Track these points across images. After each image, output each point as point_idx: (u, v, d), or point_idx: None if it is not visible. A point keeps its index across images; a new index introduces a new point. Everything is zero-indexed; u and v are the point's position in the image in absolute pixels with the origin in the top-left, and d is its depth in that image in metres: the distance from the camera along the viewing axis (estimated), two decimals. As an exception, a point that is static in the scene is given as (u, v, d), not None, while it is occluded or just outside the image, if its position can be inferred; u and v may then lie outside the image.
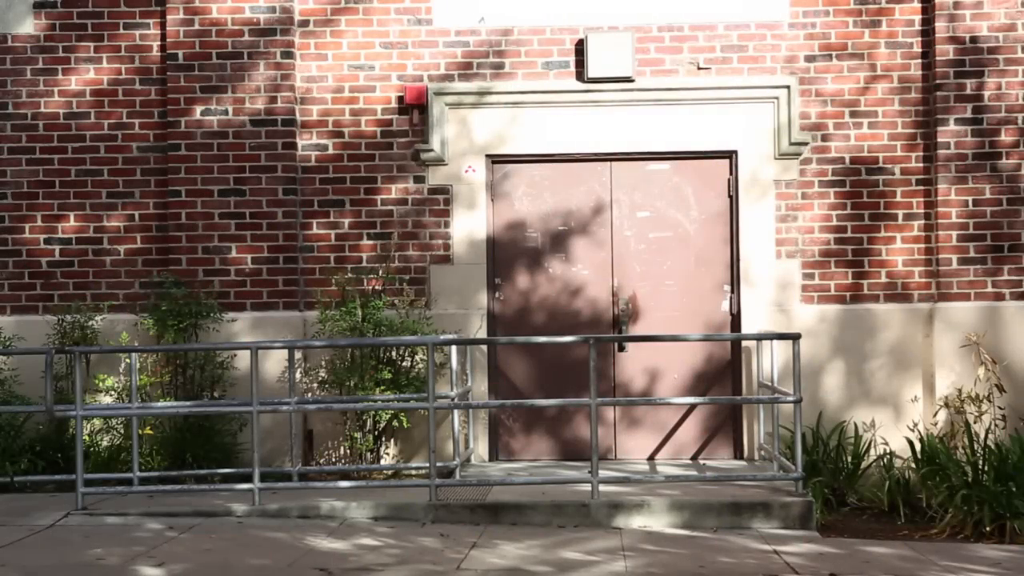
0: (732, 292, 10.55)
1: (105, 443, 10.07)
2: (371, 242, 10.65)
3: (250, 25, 10.57)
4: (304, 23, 10.72)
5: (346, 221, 10.68)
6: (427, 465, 8.78)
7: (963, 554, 7.84)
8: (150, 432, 9.91)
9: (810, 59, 10.60)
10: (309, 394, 10.35)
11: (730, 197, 10.56)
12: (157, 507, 8.67)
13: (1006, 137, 10.39)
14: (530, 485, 9.08)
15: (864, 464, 9.89)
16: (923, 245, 10.55)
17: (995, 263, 10.38)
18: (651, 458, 10.64)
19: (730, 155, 10.54)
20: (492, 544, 7.83)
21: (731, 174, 10.54)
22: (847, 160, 10.59)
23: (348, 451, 10.26)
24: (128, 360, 9.74)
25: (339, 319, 10.15)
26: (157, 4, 10.70)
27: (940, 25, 10.37)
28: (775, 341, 9.58)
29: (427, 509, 8.55)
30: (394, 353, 10.14)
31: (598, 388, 8.92)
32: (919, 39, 10.56)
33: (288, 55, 10.58)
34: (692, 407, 10.57)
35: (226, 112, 10.57)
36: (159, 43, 10.73)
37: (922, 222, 10.56)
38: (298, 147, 10.65)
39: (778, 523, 8.44)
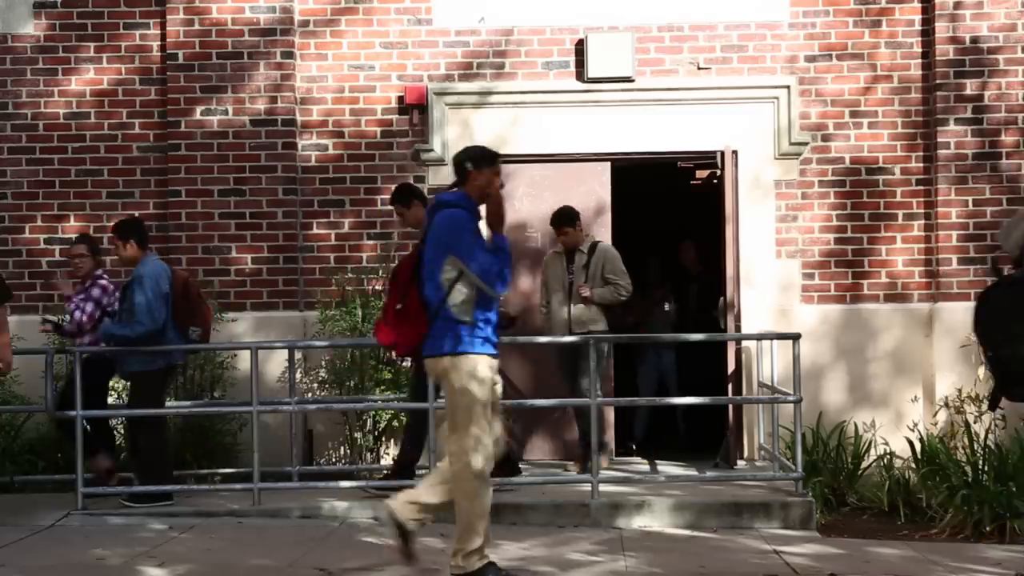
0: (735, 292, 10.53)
1: (105, 443, 10.06)
2: (371, 242, 10.65)
3: (250, 25, 10.57)
4: (304, 23, 10.72)
5: (346, 221, 10.69)
6: (427, 465, 8.76)
7: (963, 554, 7.84)
8: (150, 432, 9.90)
9: (810, 59, 10.60)
10: (309, 394, 10.34)
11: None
12: (159, 508, 8.66)
13: (1006, 138, 10.39)
14: (530, 485, 9.07)
15: (864, 464, 9.88)
16: (923, 245, 10.55)
17: (995, 263, 10.38)
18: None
19: (731, 155, 10.51)
20: (493, 544, 7.78)
21: (731, 174, 10.51)
22: (847, 160, 10.59)
23: (348, 451, 10.26)
24: (128, 360, 9.73)
25: (339, 319, 10.15)
26: (157, 4, 10.70)
27: (940, 25, 10.37)
28: (775, 341, 9.57)
29: (427, 509, 8.53)
30: (394, 353, 10.11)
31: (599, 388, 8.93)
32: (919, 39, 10.56)
33: (288, 55, 10.58)
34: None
35: (226, 112, 10.57)
36: (159, 43, 10.73)
37: (922, 222, 10.56)
38: (298, 147, 10.65)
39: (779, 523, 8.44)
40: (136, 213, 10.70)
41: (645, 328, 10.76)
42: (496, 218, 6.45)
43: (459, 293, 6.35)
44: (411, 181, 10.61)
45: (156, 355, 8.67)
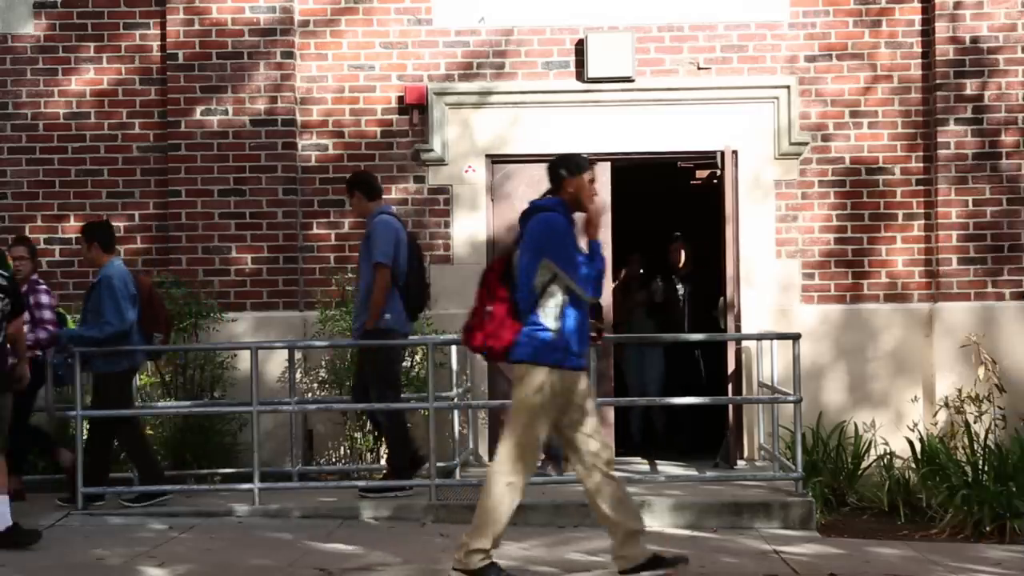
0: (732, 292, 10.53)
1: (105, 443, 10.05)
2: (371, 242, 10.64)
3: (250, 25, 10.57)
4: (304, 23, 10.71)
5: (346, 221, 10.68)
6: (427, 465, 8.77)
7: (964, 554, 7.84)
8: (150, 432, 9.89)
9: (810, 59, 10.60)
10: (309, 394, 10.34)
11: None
12: (157, 507, 8.67)
13: (1006, 138, 10.39)
14: (530, 485, 9.05)
15: (864, 464, 9.88)
16: (923, 245, 10.55)
17: (995, 263, 10.38)
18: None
19: (731, 155, 10.50)
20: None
21: (731, 174, 10.50)
22: (847, 160, 10.59)
23: (348, 451, 10.26)
24: (128, 360, 9.73)
25: (339, 319, 10.15)
26: (157, 4, 10.70)
27: (940, 25, 10.36)
28: (775, 341, 9.56)
29: (427, 509, 8.54)
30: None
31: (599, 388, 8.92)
32: (919, 39, 10.56)
33: (288, 55, 10.58)
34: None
35: (226, 112, 10.57)
36: (159, 43, 10.73)
37: (922, 222, 10.56)
38: (298, 147, 10.65)
39: (779, 523, 8.44)
40: (136, 213, 10.73)
41: (624, 329, 10.72)
42: (593, 224, 6.43)
43: (551, 298, 6.31)
44: (411, 180, 10.65)
45: (120, 357, 8.66)
